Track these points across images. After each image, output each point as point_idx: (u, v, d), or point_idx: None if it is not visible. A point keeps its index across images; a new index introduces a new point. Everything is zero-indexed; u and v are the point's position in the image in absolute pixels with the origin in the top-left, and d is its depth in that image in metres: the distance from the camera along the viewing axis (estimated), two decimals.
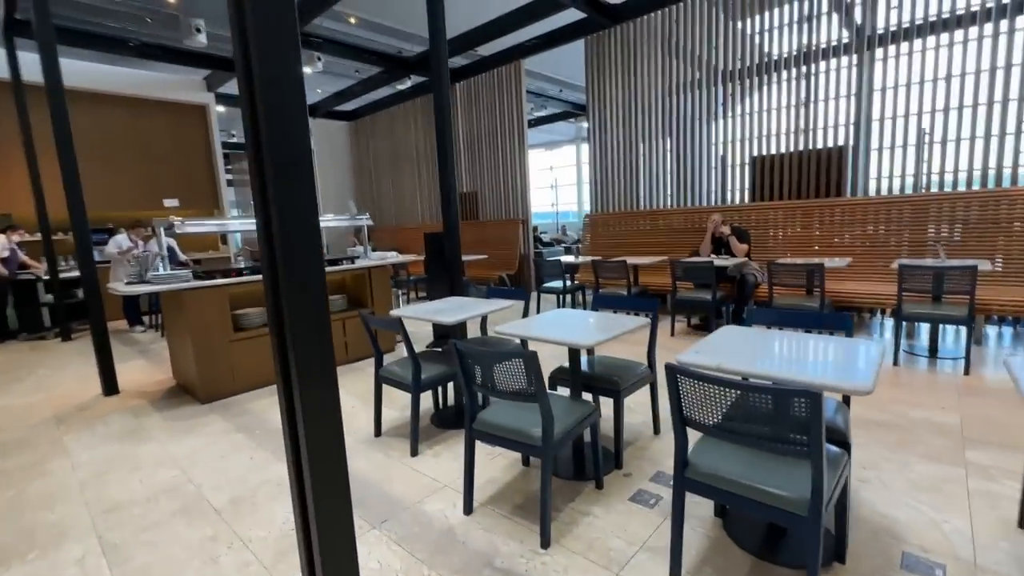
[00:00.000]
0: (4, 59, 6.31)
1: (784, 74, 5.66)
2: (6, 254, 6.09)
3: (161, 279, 3.46)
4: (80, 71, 7.47)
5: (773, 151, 5.86)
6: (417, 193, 10.37)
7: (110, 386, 4.01)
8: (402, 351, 4.43)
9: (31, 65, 6.36)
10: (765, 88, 5.82)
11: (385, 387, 3.02)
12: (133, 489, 2.49)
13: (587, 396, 2.54)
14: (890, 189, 5.32)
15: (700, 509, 2.05)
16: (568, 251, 11.23)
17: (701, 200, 6.52)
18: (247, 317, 3.96)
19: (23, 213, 7.03)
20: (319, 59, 8.18)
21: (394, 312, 3.01)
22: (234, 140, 13.44)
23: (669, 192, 6.73)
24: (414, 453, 2.69)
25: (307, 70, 8.16)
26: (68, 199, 3.86)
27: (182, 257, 7.21)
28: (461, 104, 9.00)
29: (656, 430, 2.81)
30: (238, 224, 4.41)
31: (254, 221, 1.23)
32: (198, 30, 7.91)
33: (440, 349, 3.24)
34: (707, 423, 1.50)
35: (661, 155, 6.73)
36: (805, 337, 1.98)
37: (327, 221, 4.89)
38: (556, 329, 2.37)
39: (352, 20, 6.56)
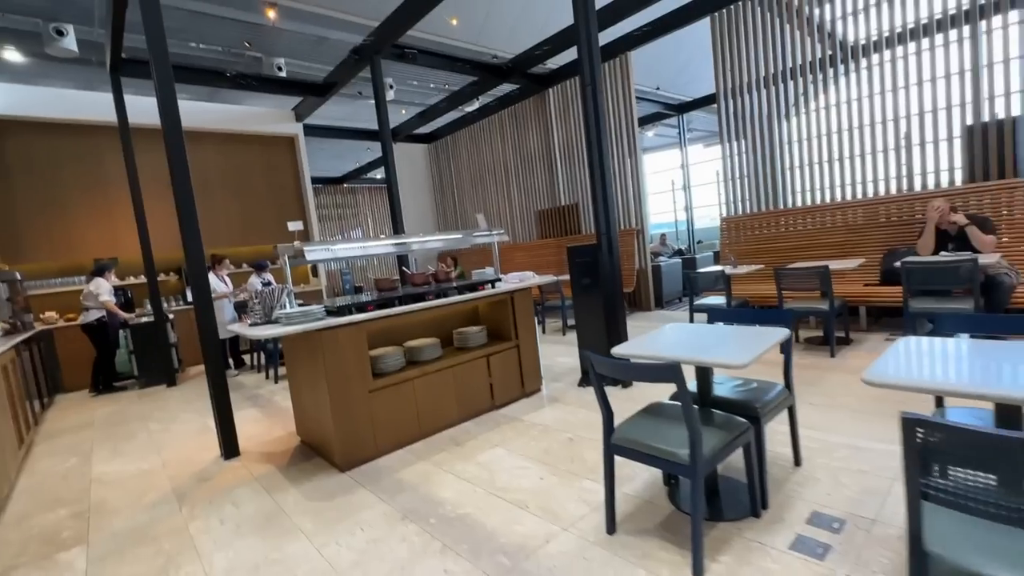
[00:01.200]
0: (90, 100, 6.25)
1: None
2: (112, 298, 5.84)
3: (294, 319, 2.78)
4: None
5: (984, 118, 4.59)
6: (505, 210, 9.67)
7: (230, 449, 3.38)
8: (558, 392, 3.72)
9: (131, 106, 6.25)
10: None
11: (571, 443, 2.11)
12: None
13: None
14: None
15: None
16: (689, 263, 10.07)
17: (877, 189, 5.29)
18: (384, 360, 3.23)
19: (129, 256, 6.89)
20: (391, 87, 7.80)
21: (621, 350, 2.12)
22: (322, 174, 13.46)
23: (836, 181, 5.55)
24: (699, 573, 1.74)
25: (389, 95, 7.76)
26: (184, 240, 3.33)
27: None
28: (555, 112, 8.26)
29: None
30: (384, 246, 3.68)
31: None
32: (279, 68, 7.77)
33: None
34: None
35: (819, 139, 5.58)
36: None
37: (435, 239, 4.14)
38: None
39: (454, 21, 5.98)
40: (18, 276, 5.63)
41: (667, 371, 1.65)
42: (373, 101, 6.12)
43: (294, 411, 3.56)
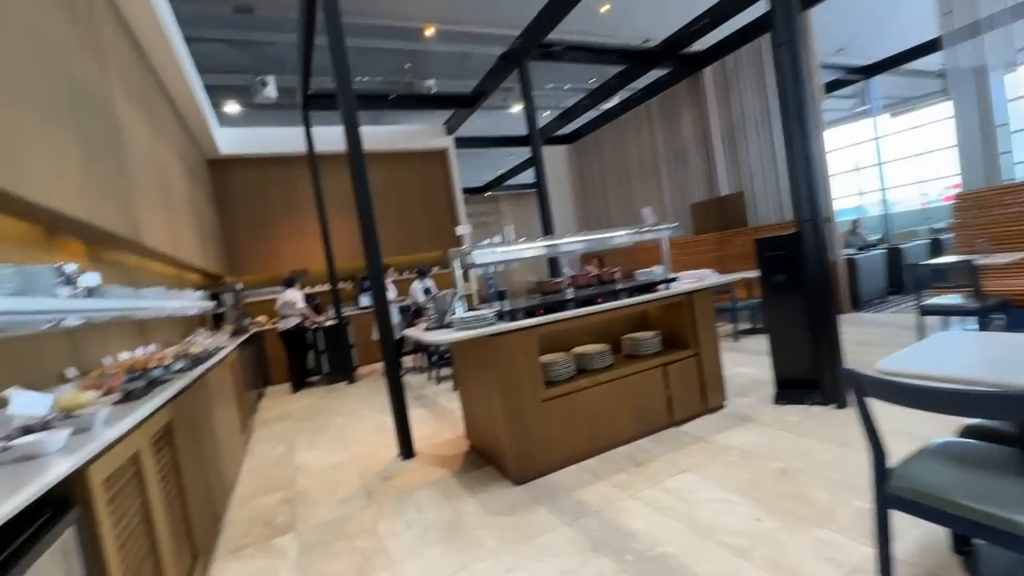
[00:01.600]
0: (285, 136, 7.22)
1: None
2: (306, 305, 6.65)
3: (469, 323, 2.72)
4: (338, 136, 8.18)
5: None
6: (656, 206, 9.02)
7: (407, 450, 3.49)
8: (748, 409, 3.08)
9: (317, 136, 7.12)
10: None
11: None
12: None
13: None
14: None
15: None
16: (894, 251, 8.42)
17: None
18: (554, 368, 3.03)
19: (316, 267, 7.87)
20: None
21: (892, 365, 1.58)
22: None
23: None
24: None
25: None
26: (366, 251, 3.58)
27: None
28: (713, 92, 7.45)
29: None
30: (551, 246, 3.53)
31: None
32: (429, 89, 8.24)
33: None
34: None
35: None
36: None
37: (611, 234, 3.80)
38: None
39: (605, 8, 5.69)
40: (239, 286, 6.74)
41: (1014, 403, 1.12)
42: (514, 111, 6.13)
43: (464, 416, 3.56)
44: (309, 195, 8.04)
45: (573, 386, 2.99)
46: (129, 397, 2.15)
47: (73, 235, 2.84)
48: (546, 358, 3.08)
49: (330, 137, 7.59)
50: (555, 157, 11.25)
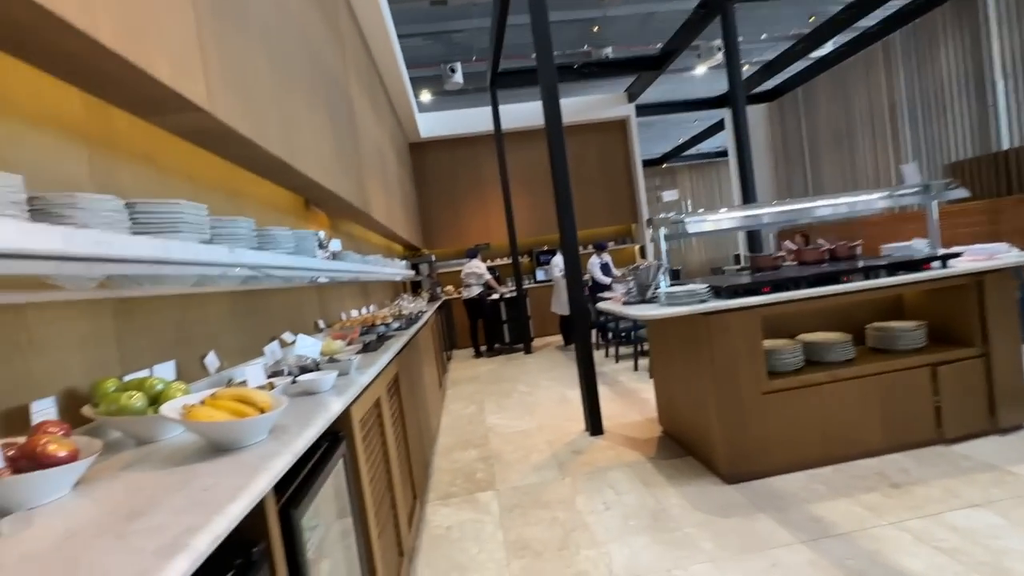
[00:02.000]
0: (470, 117, 7.55)
1: None
2: (490, 276, 7.01)
3: (679, 299, 2.44)
4: (520, 113, 8.25)
5: None
6: (887, 168, 7.31)
7: (595, 426, 3.39)
8: None
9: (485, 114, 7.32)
10: None
11: None
12: None
13: None
14: None
15: None
16: None
17: None
18: (778, 356, 2.57)
19: (497, 241, 8.27)
20: (719, 49, 6.76)
21: None
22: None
23: None
24: None
25: (718, 57, 6.79)
26: (561, 224, 3.52)
27: (615, 272, 6.94)
28: (1003, 10, 5.60)
29: None
30: (773, 213, 3.02)
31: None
32: (607, 57, 7.79)
33: None
34: None
35: None
36: None
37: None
38: None
39: None
40: (433, 258, 7.43)
41: None
42: (697, 72, 5.40)
43: (657, 399, 3.31)
44: (491, 173, 8.43)
45: (803, 379, 2.51)
46: (367, 348, 2.41)
47: (320, 207, 3.32)
48: (769, 344, 2.64)
49: (514, 115, 7.80)
50: (751, 117, 9.88)
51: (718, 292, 2.50)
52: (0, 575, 0.61)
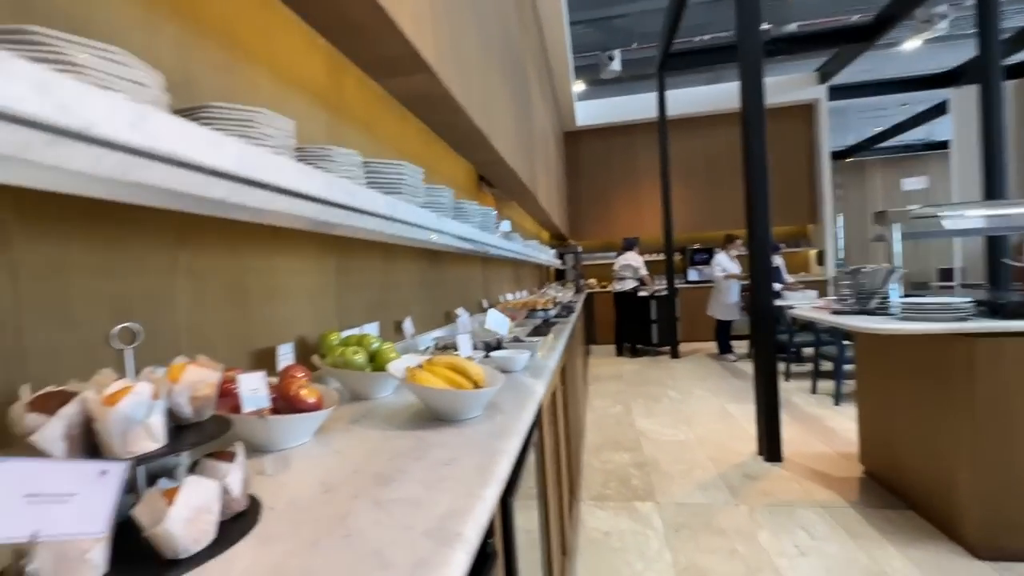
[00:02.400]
0: (627, 104, 7.10)
1: None
2: (645, 270, 6.64)
3: (929, 312, 1.91)
4: (679, 100, 7.57)
5: None
6: None
7: (773, 452, 2.92)
8: None
9: (648, 101, 6.80)
10: None
11: None
12: None
13: None
14: None
15: None
16: None
17: None
18: None
19: (646, 236, 7.82)
20: (944, 16, 5.33)
21: None
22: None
23: None
24: None
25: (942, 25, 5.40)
26: (749, 218, 3.10)
27: (788, 279, 6.07)
28: None
29: None
30: None
31: None
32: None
33: None
34: None
35: None
36: None
37: None
38: None
39: None
40: (580, 249, 7.27)
41: None
42: (905, 47, 4.29)
43: (860, 431, 2.73)
44: (646, 164, 7.97)
45: None
46: (537, 332, 2.33)
47: (494, 185, 3.34)
48: None
49: (672, 102, 7.22)
50: (967, 103, 7.89)
51: (991, 308, 1.91)
52: (274, 519, 0.58)
